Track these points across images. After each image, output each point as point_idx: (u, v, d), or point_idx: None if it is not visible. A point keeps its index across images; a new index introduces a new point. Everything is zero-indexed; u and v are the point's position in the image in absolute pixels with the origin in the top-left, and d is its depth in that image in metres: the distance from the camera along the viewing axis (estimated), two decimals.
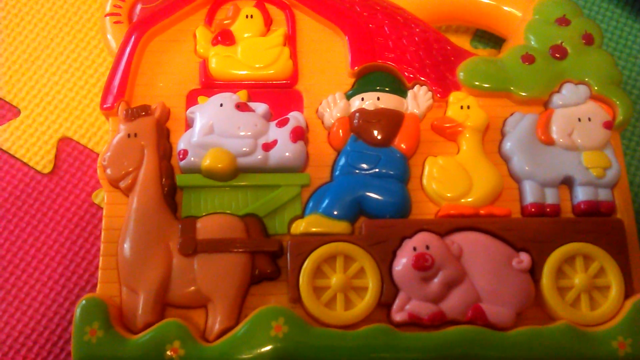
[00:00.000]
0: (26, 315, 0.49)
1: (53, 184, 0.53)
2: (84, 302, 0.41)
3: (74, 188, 0.53)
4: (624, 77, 0.59)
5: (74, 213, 0.52)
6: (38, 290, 0.50)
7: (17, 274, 0.51)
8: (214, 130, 0.46)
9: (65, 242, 0.51)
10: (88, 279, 0.50)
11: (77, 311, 0.41)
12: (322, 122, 0.48)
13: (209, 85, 0.49)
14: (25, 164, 0.54)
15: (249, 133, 0.46)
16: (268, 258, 0.44)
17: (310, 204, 0.45)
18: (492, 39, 0.58)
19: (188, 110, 0.47)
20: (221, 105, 0.47)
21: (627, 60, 0.59)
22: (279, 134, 0.46)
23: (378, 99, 0.48)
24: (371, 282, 0.42)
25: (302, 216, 0.45)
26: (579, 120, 0.47)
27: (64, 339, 0.49)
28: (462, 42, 0.59)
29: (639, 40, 0.60)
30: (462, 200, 0.45)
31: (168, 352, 0.40)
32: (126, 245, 0.43)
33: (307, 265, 0.42)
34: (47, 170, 0.54)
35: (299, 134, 0.46)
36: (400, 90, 0.49)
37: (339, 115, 0.47)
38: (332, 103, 0.48)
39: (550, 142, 0.47)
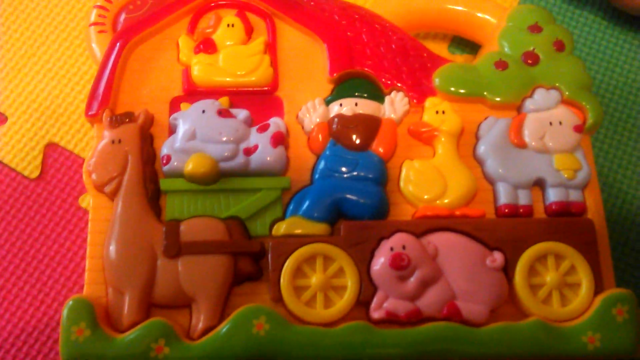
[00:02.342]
0: (15, 316, 0.51)
1: (40, 188, 0.54)
2: (71, 302, 0.42)
3: (60, 192, 0.54)
4: (596, 81, 0.60)
5: (61, 217, 0.53)
6: (27, 292, 0.51)
7: (6, 277, 0.52)
8: (196, 136, 0.47)
9: (53, 245, 0.53)
10: (76, 281, 0.51)
11: (65, 311, 0.42)
12: (302, 128, 0.49)
13: (192, 92, 0.50)
14: (12, 169, 0.55)
15: (231, 138, 0.47)
16: (250, 259, 0.45)
17: (291, 207, 0.46)
18: (469, 45, 0.60)
19: (171, 117, 0.48)
20: (203, 111, 0.48)
21: (599, 65, 0.61)
22: (260, 139, 0.47)
23: (356, 104, 0.49)
24: (350, 282, 0.44)
25: (282, 218, 0.46)
26: (551, 124, 0.49)
27: (53, 339, 0.50)
28: (440, 48, 0.60)
29: (611, 46, 0.62)
30: (438, 202, 0.47)
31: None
32: (112, 248, 0.44)
33: (288, 265, 0.44)
34: (34, 176, 0.55)
35: (280, 139, 0.47)
36: (377, 96, 0.50)
37: (318, 120, 0.49)
38: (312, 109, 0.49)
39: (522, 145, 0.48)
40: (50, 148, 0.56)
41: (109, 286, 0.44)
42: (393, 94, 0.50)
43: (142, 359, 0.41)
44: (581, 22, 0.63)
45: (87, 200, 0.53)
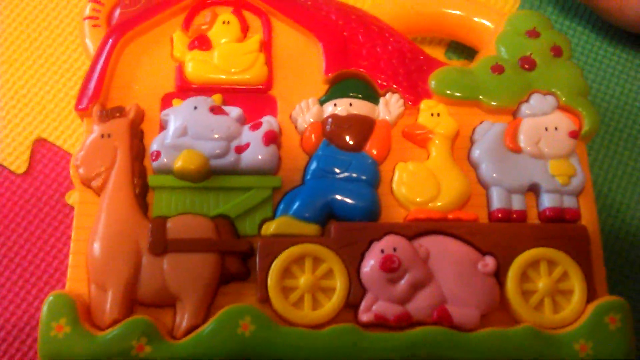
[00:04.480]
0: None
1: (27, 184, 0.54)
2: (51, 298, 0.41)
3: (47, 189, 0.54)
4: (592, 90, 0.60)
5: (47, 213, 0.53)
6: (8, 289, 0.50)
7: None
8: (187, 133, 0.46)
9: (37, 241, 0.52)
10: (58, 279, 0.50)
11: (45, 307, 0.41)
12: (295, 127, 0.49)
13: (185, 88, 0.49)
14: None
15: (222, 136, 0.46)
16: (238, 259, 0.44)
17: (281, 207, 0.46)
18: (465, 51, 0.59)
19: (162, 113, 0.48)
20: (195, 108, 0.47)
21: (596, 74, 0.61)
22: (252, 137, 0.46)
23: (350, 105, 0.49)
24: (339, 283, 0.43)
25: (272, 218, 0.45)
26: (546, 129, 0.48)
27: (33, 337, 0.49)
28: (437, 53, 0.60)
29: (608, 54, 0.61)
30: (431, 205, 0.46)
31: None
32: (96, 244, 0.43)
33: (276, 265, 0.43)
34: (21, 171, 0.54)
35: (272, 138, 0.46)
36: (372, 97, 0.49)
37: (311, 120, 0.48)
38: (306, 108, 0.49)
39: (517, 150, 0.48)
40: (39, 143, 0.55)
41: (92, 283, 0.43)
42: (388, 95, 0.49)
43: (123, 358, 0.40)
44: (579, 30, 0.62)
45: (74, 197, 0.52)
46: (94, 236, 0.43)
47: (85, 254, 0.43)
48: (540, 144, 0.48)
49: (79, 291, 0.43)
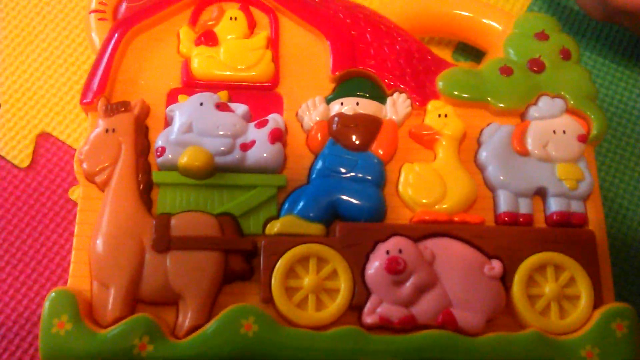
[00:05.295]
0: None
1: (30, 178, 0.53)
2: (53, 294, 0.41)
3: (50, 184, 0.53)
4: (601, 95, 0.60)
5: (50, 208, 0.52)
6: (9, 285, 0.50)
7: None
8: (192, 129, 0.46)
9: (39, 237, 0.51)
10: (60, 275, 0.50)
11: (46, 303, 0.41)
12: (302, 126, 0.48)
13: (191, 84, 0.49)
14: (2, 157, 0.54)
15: (228, 133, 0.46)
16: (241, 257, 0.43)
17: (286, 206, 0.45)
18: (473, 53, 0.59)
19: (168, 108, 0.47)
20: (201, 104, 0.47)
21: (604, 79, 0.60)
22: (258, 135, 0.46)
23: (357, 104, 0.48)
24: (343, 284, 0.42)
25: (277, 217, 0.45)
26: (554, 132, 0.48)
27: (34, 334, 0.48)
28: (444, 54, 0.59)
29: (617, 59, 0.61)
30: (437, 207, 0.46)
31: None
32: (99, 240, 0.43)
33: (280, 265, 0.42)
34: (24, 165, 0.54)
35: (277, 136, 0.46)
36: (379, 96, 0.49)
37: (318, 119, 0.48)
38: (312, 107, 0.48)
39: (525, 153, 0.47)
40: (43, 137, 0.55)
41: (94, 279, 0.43)
42: (395, 95, 0.49)
43: (125, 356, 0.40)
44: (587, 34, 0.62)
45: (77, 193, 0.52)
46: (97, 232, 0.43)
47: (88, 250, 0.43)
48: (548, 147, 0.47)
49: (81, 288, 0.42)
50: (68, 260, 0.44)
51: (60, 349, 0.40)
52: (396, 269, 0.42)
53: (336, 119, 0.47)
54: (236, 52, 0.49)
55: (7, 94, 0.56)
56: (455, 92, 0.49)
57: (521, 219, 0.46)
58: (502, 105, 0.49)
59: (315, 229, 0.44)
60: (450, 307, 0.42)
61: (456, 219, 0.45)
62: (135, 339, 0.40)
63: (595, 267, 0.44)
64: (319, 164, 0.46)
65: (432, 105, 0.49)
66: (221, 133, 0.46)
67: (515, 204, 0.46)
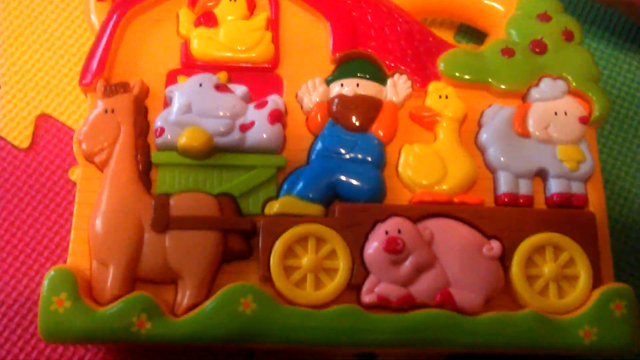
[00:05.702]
0: None
1: (29, 159, 0.53)
2: (52, 272, 0.41)
3: (50, 164, 0.53)
4: (603, 77, 0.59)
5: (49, 189, 0.52)
6: (9, 264, 0.50)
7: None
8: (191, 110, 0.46)
9: (40, 217, 0.51)
10: (60, 254, 0.50)
11: (45, 281, 0.41)
12: (301, 107, 0.48)
13: (190, 65, 0.48)
14: (2, 138, 0.54)
15: (227, 113, 0.46)
16: (240, 237, 0.43)
17: (285, 186, 0.45)
18: (475, 35, 0.59)
19: (167, 89, 0.47)
20: (200, 85, 0.47)
21: (607, 61, 0.60)
22: (257, 116, 0.46)
23: (357, 85, 0.48)
24: (342, 264, 0.42)
25: (276, 197, 0.45)
26: (556, 114, 0.48)
27: (34, 312, 0.48)
28: (446, 36, 0.59)
29: (621, 42, 0.61)
30: (437, 188, 0.45)
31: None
32: (98, 220, 0.43)
33: (279, 244, 0.42)
34: (24, 146, 0.54)
35: (277, 117, 0.46)
36: (380, 78, 0.49)
37: (318, 100, 0.47)
38: (312, 88, 0.48)
39: (526, 135, 0.47)
40: (43, 119, 0.55)
41: (93, 258, 0.43)
42: (396, 76, 0.49)
43: (123, 333, 0.40)
44: (591, 16, 0.61)
45: (77, 173, 0.52)
46: (96, 212, 0.43)
47: (87, 230, 0.43)
48: (550, 128, 0.47)
49: (80, 266, 0.42)
50: (68, 240, 0.44)
51: (59, 326, 0.40)
52: (395, 249, 0.42)
53: (336, 100, 0.47)
54: (236, 33, 0.49)
55: (7, 75, 0.56)
56: (457, 74, 0.49)
57: (521, 200, 0.46)
58: (503, 86, 0.49)
59: (315, 209, 0.44)
60: (448, 286, 0.42)
61: (456, 199, 0.45)
62: (133, 317, 0.40)
63: (595, 248, 0.44)
64: (319, 145, 0.46)
65: (433, 86, 0.48)
66: (220, 114, 0.46)
67: (516, 185, 0.46)
